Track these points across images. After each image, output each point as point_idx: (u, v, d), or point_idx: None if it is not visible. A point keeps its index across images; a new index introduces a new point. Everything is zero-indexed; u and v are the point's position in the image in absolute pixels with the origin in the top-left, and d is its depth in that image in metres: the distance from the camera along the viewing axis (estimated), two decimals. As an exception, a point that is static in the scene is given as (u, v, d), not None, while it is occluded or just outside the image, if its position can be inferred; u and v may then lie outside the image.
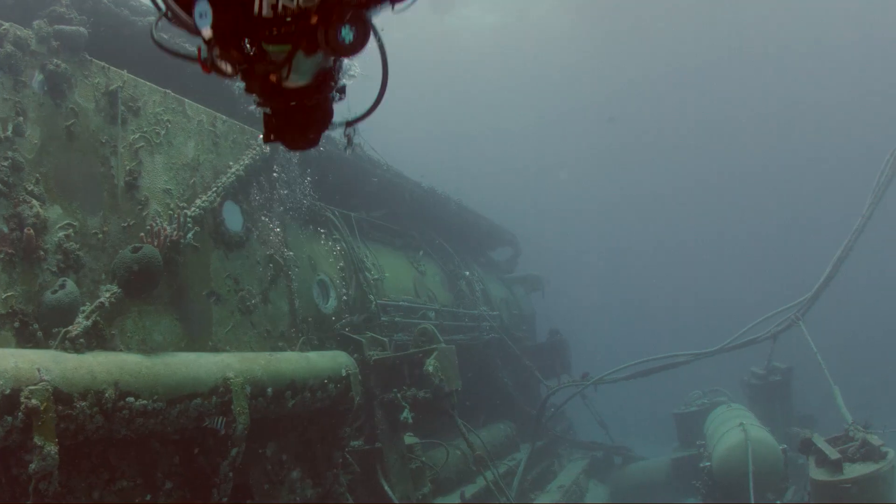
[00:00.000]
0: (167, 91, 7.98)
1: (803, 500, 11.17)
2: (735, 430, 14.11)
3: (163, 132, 7.80)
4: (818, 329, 15.86)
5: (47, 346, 5.92)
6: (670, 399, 23.82)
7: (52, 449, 5.09)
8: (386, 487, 9.64)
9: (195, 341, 7.60)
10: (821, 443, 10.89)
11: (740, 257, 77.08)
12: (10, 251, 5.93)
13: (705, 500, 14.13)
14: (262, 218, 9.20)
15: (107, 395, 5.70)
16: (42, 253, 6.18)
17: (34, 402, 5.06)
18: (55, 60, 6.64)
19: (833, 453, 10.42)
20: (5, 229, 5.95)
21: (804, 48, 65.42)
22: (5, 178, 6.02)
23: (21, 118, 6.29)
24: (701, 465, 14.71)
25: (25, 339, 5.90)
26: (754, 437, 13.41)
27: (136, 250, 6.69)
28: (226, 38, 2.87)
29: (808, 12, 63.09)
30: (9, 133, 6.16)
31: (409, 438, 10.69)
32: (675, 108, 75.61)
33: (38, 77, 6.55)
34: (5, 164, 6.04)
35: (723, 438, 14.28)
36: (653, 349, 17.93)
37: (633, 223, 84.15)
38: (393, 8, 3.04)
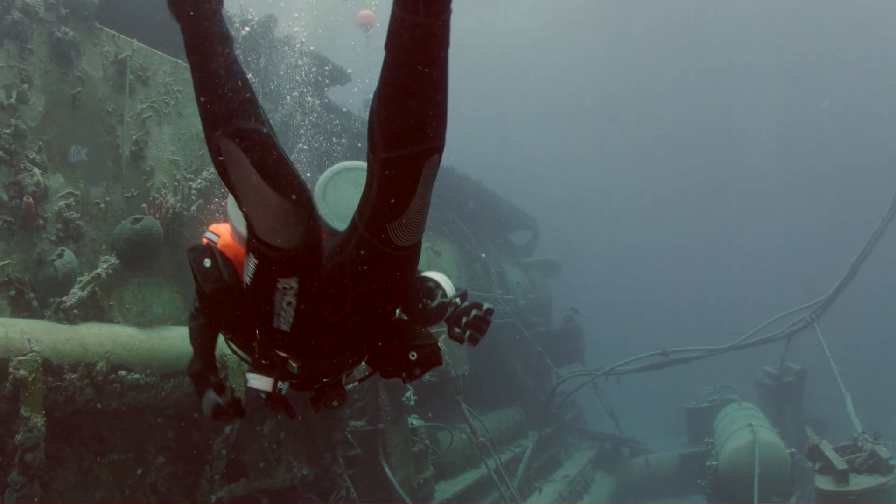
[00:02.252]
0: (178, 61, 7.91)
1: None
2: (744, 430, 13.97)
3: (172, 102, 7.73)
4: (833, 333, 15.67)
5: (42, 316, 5.89)
6: (682, 393, 23.65)
7: (38, 420, 5.06)
8: (386, 469, 9.54)
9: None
10: (828, 451, 10.76)
11: (759, 257, 76.63)
12: (8, 219, 5.90)
13: (710, 500, 14.02)
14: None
15: (98, 367, 5.67)
16: (41, 221, 6.16)
17: (22, 372, 5.03)
18: (63, 28, 6.59)
19: (840, 463, 10.30)
20: (5, 197, 5.92)
21: (841, 37, 64.65)
22: (7, 146, 5.99)
23: (26, 85, 6.25)
24: (707, 463, 14.59)
25: (21, 308, 5.87)
26: (762, 439, 13.28)
27: (136, 221, 6.65)
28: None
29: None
30: (12, 100, 6.13)
31: (414, 420, 10.61)
32: (695, 104, 74.97)
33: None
34: (7, 131, 6.01)
35: (731, 438, 14.13)
36: (666, 344, 17.72)
37: (653, 219, 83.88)
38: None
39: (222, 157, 3.03)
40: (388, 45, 2.77)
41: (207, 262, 3.81)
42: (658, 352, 17.32)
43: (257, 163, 2.99)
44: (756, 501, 11.99)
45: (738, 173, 78.32)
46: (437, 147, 2.93)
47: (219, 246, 4.04)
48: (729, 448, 13.71)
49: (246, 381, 4.01)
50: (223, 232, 4.16)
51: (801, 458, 13.52)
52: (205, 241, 4.34)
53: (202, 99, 3.01)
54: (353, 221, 3.24)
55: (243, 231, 3.60)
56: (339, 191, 3.92)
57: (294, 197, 3.12)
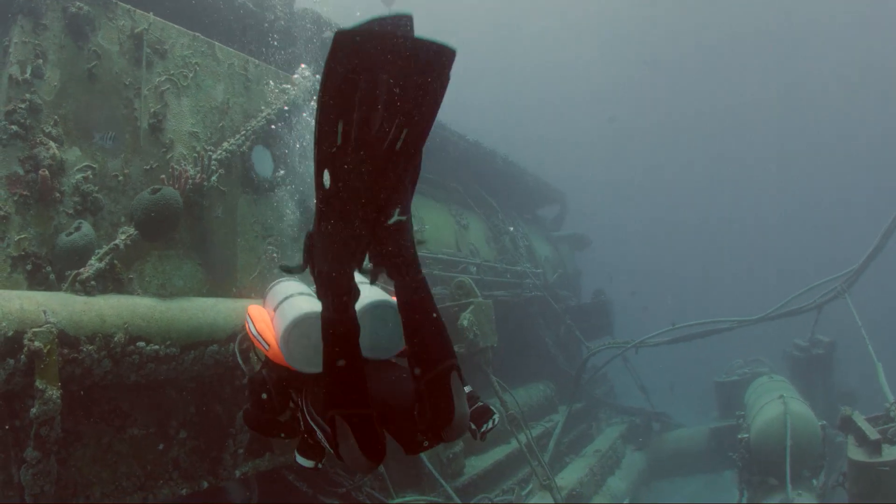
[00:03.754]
0: (197, 34, 7.84)
1: (838, 480, 10.84)
2: (775, 402, 13.75)
3: (191, 75, 7.67)
4: (864, 302, 15.41)
5: (59, 290, 5.87)
6: (712, 367, 23.44)
7: (53, 393, 5.02)
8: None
9: (218, 288, 7.52)
10: (861, 421, 10.55)
11: (787, 228, 76.06)
12: (24, 193, 5.87)
13: (741, 473, 13.86)
14: (295, 164, 9.06)
15: (116, 338, 5.63)
16: (58, 195, 6.12)
17: (37, 344, 5.00)
18: (77, 3, 6.54)
19: (872, 433, 10.09)
20: (21, 171, 5.89)
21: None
22: (22, 120, 5.95)
23: (41, 60, 6.21)
24: (739, 436, 14.42)
25: (38, 282, 5.85)
26: (794, 411, 13.07)
27: (154, 192, 6.62)
28: None
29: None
30: (27, 75, 6.09)
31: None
32: (726, 78, 74.52)
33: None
34: (23, 106, 5.97)
35: (762, 410, 13.91)
36: (696, 316, 17.50)
37: (682, 190, 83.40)
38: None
39: (334, 428, 3.47)
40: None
41: (264, 395, 4.48)
42: (685, 324, 17.10)
43: (360, 439, 3.43)
44: (788, 475, 11.84)
45: (772, 144, 77.67)
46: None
47: (269, 355, 4.51)
48: (760, 420, 13.51)
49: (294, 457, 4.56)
50: (270, 337, 4.53)
51: (832, 432, 13.30)
52: (249, 332, 4.58)
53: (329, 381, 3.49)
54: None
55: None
56: (367, 327, 4.07)
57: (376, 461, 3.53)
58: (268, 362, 4.59)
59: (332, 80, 2.77)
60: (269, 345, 4.46)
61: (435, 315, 3.69)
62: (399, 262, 3.56)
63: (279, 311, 4.53)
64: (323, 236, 3.31)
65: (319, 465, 4.53)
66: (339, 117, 2.83)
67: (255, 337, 4.71)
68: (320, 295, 3.51)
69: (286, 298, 4.61)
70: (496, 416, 4.27)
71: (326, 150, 2.97)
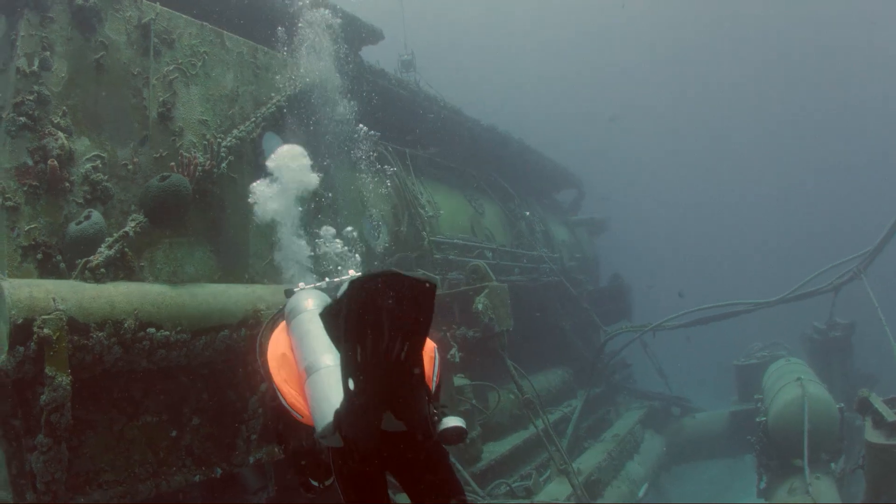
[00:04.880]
0: (204, 24, 7.87)
1: (858, 462, 10.76)
2: (792, 384, 13.68)
3: (199, 64, 7.70)
4: (881, 283, 15.32)
5: (69, 278, 5.90)
6: (731, 351, 23.37)
7: (63, 379, 5.06)
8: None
9: (230, 274, 7.55)
10: (878, 403, 10.46)
11: (804, 209, 75.66)
12: (34, 183, 5.90)
13: (759, 457, 13.81)
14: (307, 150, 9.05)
15: (126, 325, 5.66)
16: (67, 185, 6.15)
17: (46, 331, 5.03)
18: (84, -5, 6.58)
19: (890, 415, 10.00)
20: (30, 162, 5.92)
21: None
22: (30, 112, 5.98)
23: (48, 52, 6.24)
24: (757, 419, 14.36)
25: (48, 271, 5.88)
26: (811, 394, 12.97)
27: (163, 179, 6.65)
28: None
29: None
30: (35, 67, 6.12)
31: (459, 380, 10.50)
32: (750, 57, 74.23)
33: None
34: (31, 97, 6.00)
35: (780, 393, 13.83)
36: (712, 299, 17.40)
37: (699, 173, 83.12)
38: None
39: None
40: None
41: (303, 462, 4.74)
42: (703, 307, 17.05)
43: None
44: (806, 458, 11.78)
45: (787, 128, 77.33)
46: None
47: (302, 422, 4.62)
48: (778, 404, 13.44)
49: None
50: (303, 408, 4.58)
51: (851, 415, 13.22)
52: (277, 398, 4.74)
53: None
54: None
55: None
56: None
57: None
58: (297, 425, 4.67)
59: (350, 319, 3.49)
60: (301, 415, 4.54)
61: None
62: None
63: (313, 385, 4.53)
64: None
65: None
66: (356, 343, 3.53)
67: (284, 406, 4.75)
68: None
69: (319, 367, 4.65)
70: None
71: (350, 365, 3.62)
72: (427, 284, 3.56)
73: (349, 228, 8.16)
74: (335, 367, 4.43)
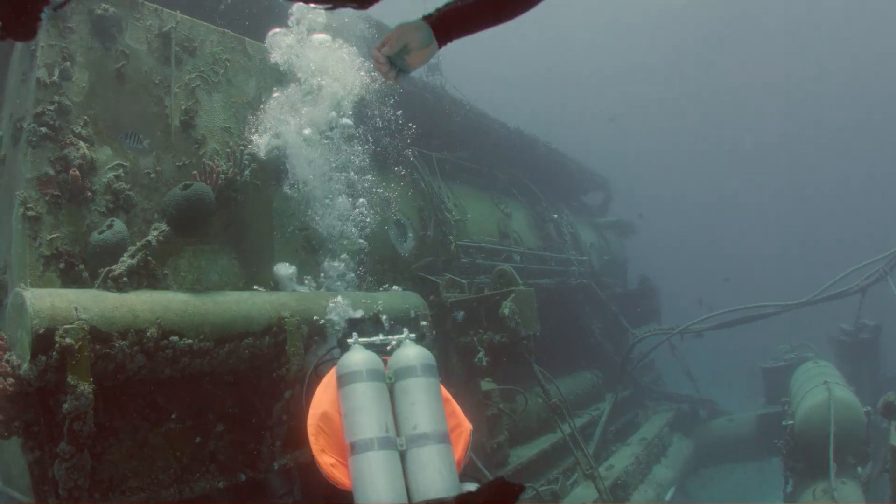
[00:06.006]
0: (226, 31, 7.89)
1: (885, 467, 10.63)
2: (819, 388, 13.55)
3: (221, 71, 7.72)
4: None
5: (92, 287, 5.93)
6: (758, 353, 23.20)
7: (86, 388, 5.08)
8: (457, 431, 9.46)
9: (255, 281, 7.56)
10: (904, 407, 10.37)
11: (832, 209, 75.08)
12: (55, 193, 5.95)
13: (786, 461, 13.69)
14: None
15: (148, 333, 5.68)
16: (90, 194, 6.19)
17: (68, 340, 5.06)
18: (103, 5, 6.60)
19: (916, 419, 9.92)
20: (51, 171, 5.96)
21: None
22: (51, 122, 6.02)
23: (68, 63, 6.28)
24: (783, 423, 14.24)
25: (71, 280, 5.92)
26: (837, 397, 12.84)
27: (186, 188, 6.67)
28: None
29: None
30: (55, 78, 6.16)
31: (487, 384, 10.48)
32: (775, 54, 73.81)
33: None
34: (51, 108, 6.04)
35: (806, 396, 13.67)
36: (741, 302, 17.26)
37: (723, 173, 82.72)
38: None
39: None
40: None
41: None
42: (730, 309, 16.93)
43: None
44: (832, 462, 11.68)
45: (815, 128, 76.82)
46: None
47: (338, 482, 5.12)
48: (804, 407, 13.29)
49: None
50: (346, 481, 5.12)
51: (877, 419, 13.08)
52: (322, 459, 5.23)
53: None
54: None
55: None
56: None
57: None
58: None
59: None
60: (338, 484, 4.89)
61: None
62: None
63: (359, 465, 4.96)
64: None
65: None
66: None
67: (328, 476, 5.10)
68: None
69: (368, 449, 4.99)
70: None
71: None
72: None
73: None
74: (382, 456, 4.91)
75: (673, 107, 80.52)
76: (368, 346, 5.87)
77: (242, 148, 7.63)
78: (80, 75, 6.35)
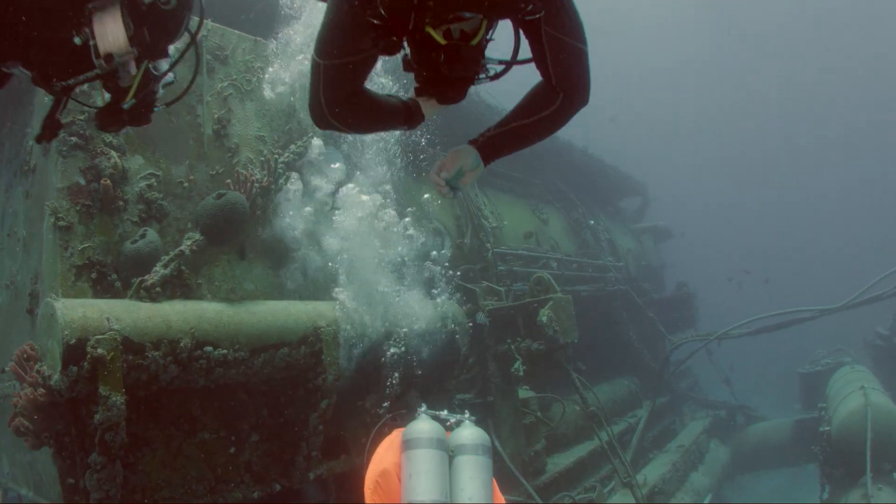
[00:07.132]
0: (258, 39, 7.85)
1: None
2: (856, 393, 13.37)
3: (254, 79, 7.67)
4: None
5: (125, 297, 5.90)
6: (797, 357, 22.93)
7: (118, 399, 5.04)
8: (496, 442, 9.35)
9: (291, 290, 7.50)
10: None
11: (865, 213, 74.39)
12: (87, 203, 5.91)
13: (822, 467, 13.50)
14: (367, 162, 8.97)
15: (182, 344, 5.64)
16: (121, 203, 6.15)
17: (100, 351, 5.03)
18: (133, 13, 6.57)
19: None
20: (82, 181, 5.93)
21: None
22: (82, 132, 5.99)
23: (98, 72, 6.25)
24: (820, 429, 14.05)
25: (103, 290, 5.88)
26: (874, 403, 12.64)
27: (219, 197, 6.62)
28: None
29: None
30: (84, 87, 6.13)
31: (524, 392, 10.40)
32: (816, 57, 73.27)
33: None
34: (81, 117, 6.01)
35: (843, 402, 13.48)
36: (777, 307, 17.05)
37: (764, 176, 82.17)
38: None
39: None
40: None
41: None
42: (767, 314, 16.70)
43: None
44: (868, 468, 11.50)
45: (850, 129, 76.16)
46: None
47: None
48: (841, 413, 13.10)
49: None
50: None
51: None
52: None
53: None
54: None
55: None
56: None
57: None
58: None
59: None
60: None
61: None
62: None
63: None
64: None
65: None
66: None
67: None
68: None
69: None
70: None
71: None
72: None
73: None
74: None
75: (713, 110, 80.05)
76: (434, 418, 6.15)
77: (276, 157, 7.56)
78: (111, 84, 6.32)
